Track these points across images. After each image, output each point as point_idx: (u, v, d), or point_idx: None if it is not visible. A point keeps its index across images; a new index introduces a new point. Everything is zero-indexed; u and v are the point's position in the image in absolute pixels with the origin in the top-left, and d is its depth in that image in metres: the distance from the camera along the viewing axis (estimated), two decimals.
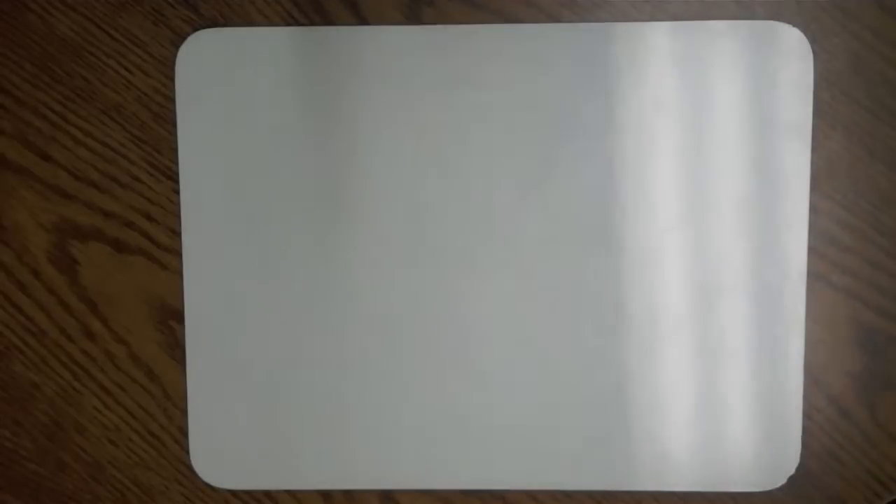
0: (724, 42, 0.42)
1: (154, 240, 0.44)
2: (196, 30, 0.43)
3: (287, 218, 0.43)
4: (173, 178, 0.43)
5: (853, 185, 0.42)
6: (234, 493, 0.44)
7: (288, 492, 0.44)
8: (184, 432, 0.44)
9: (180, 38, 0.43)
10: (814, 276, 0.42)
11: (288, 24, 0.42)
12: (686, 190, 0.42)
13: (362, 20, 0.42)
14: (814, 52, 0.41)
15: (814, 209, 0.42)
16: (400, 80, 0.42)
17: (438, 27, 0.42)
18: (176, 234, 0.43)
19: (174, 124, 0.43)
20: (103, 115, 0.43)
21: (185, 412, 0.44)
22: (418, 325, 0.43)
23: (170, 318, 0.44)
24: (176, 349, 0.44)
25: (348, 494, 0.44)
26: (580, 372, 0.43)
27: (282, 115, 0.42)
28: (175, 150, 0.43)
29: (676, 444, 0.43)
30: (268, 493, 0.44)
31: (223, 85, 0.43)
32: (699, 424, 0.43)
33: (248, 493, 0.44)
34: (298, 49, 0.42)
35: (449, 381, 0.43)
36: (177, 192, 0.43)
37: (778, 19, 0.42)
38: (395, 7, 0.42)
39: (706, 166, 0.42)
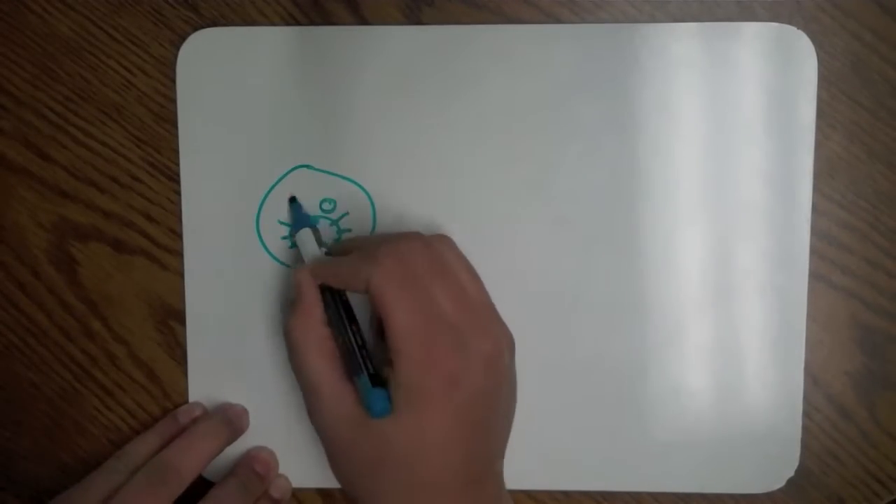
0: (727, 43, 0.42)
1: (154, 240, 0.44)
2: (196, 30, 0.43)
3: (287, 217, 0.43)
4: (173, 178, 0.43)
5: (853, 185, 0.42)
6: None
7: None
8: None
9: (180, 38, 0.43)
10: (814, 276, 0.42)
11: (288, 24, 0.42)
12: (687, 191, 0.42)
13: (362, 20, 0.42)
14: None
15: (814, 209, 0.42)
16: (400, 79, 0.42)
17: (438, 27, 0.42)
18: (176, 234, 0.43)
19: (174, 124, 0.43)
20: (103, 115, 0.43)
21: None
22: None
23: (170, 318, 0.44)
24: (176, 349, 0.44)
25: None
26: (579, 372, 0.43)
27: (282, 115, 0.42)
28: (175, 150, 0.43)
29: (676, 445, 0.43)
30: None
31: (223, 85, 0.43)
32: (699, 425, 0.43)
33: None
34: (298, 49, 0.42)
35: None
36: (177, 192, 0.43)
37: (778, 20, 0.42)
38: (395, 7, 0.42)
39: (707, 167, 0.42)
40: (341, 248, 0.41)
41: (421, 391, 0.35)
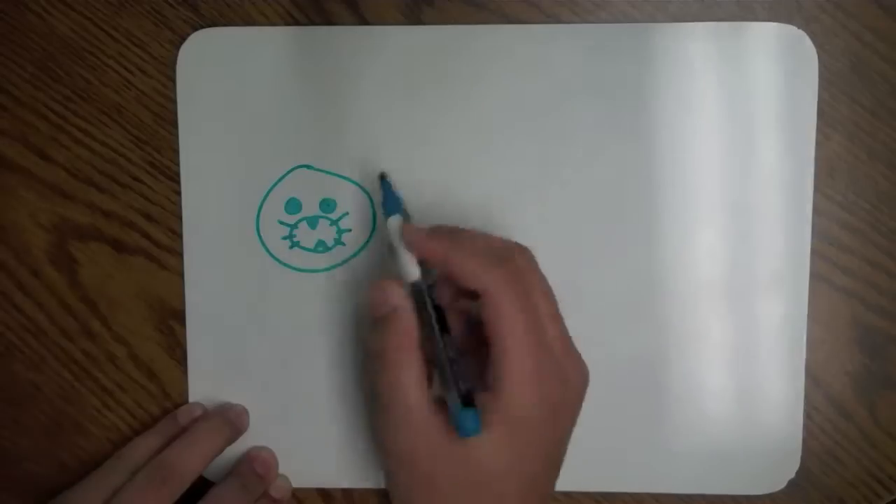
0: (727, 43, 0.42)
1: (154, 240, 0.44)
2: (196, 30, 0.43)
3: (287, 218, 0.43)
4: (173, 178, 0.43)
5: (853, 185, 0.42)
6: None
7: None
8: None
9: (180, 38, 0.43)
10: (814, 277, 0.42)
11: (288, 24, 0.42)
12: (687, 191, 0.42)
13: (362, 20, 0.42)
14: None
15: (814, 209, 0.42)
16: (400, 79, 0.42)
17: (438, 27, 0.42)
18: (176, 234, 0.43)
19: (174, 124, 0.43)
20: (103, 115, 0.43)
21: None
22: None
23: (170, 318, 0.44)
24: (176, 349, 0.44)
25: (348, 494, 0.44)
26: None
27: (282, 115, 0.42)
28: (175, 150, 0.43)
29: (677, 446, 0.43)
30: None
31: (223, 85, 0.43)
32: (700, 425, 0.43)
33: None
34: (298, 49, 0.42)
35: None
36: (177, 192, 0.43)
37: (778, 20, 0.42)
38: (395, 7, 0.42)
39: (707, 167, 0.42)
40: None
41: (522, 417, 0.34)
